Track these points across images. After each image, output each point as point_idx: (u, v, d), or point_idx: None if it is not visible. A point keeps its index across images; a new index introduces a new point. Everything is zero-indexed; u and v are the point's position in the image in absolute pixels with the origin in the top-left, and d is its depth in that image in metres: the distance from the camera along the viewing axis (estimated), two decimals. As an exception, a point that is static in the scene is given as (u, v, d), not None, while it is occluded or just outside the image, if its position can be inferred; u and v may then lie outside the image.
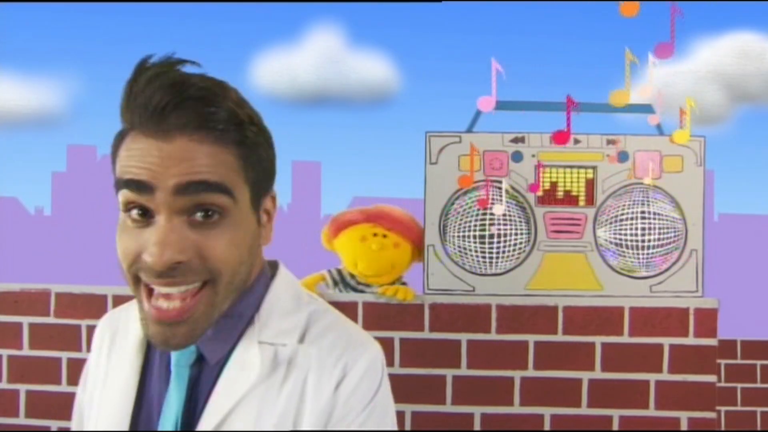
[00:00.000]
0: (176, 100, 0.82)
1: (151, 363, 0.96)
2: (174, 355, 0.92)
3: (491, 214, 1.89)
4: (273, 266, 1.00)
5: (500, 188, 1.91)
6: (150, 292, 0.86)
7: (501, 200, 1.86)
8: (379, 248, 1.87)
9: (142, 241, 0.84)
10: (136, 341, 0.97)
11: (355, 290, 1.93)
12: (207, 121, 0.83)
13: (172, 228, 0.83)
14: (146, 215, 0.85)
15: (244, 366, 0.90)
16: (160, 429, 0.91)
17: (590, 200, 1.91)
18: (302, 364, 0.91)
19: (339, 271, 1.94)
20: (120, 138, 0.88)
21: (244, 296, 0.93)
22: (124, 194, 0.84)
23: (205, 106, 0.83)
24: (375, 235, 1.89)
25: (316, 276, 1.93)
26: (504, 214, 1.89)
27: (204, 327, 0.88)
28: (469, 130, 1.94)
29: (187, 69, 0.85)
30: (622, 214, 1.89)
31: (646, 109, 1.89)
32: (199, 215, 0.84)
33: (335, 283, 1.94)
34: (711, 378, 1.83)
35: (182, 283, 0.84)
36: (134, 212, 0.85)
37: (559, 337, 1.85)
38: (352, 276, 1.93)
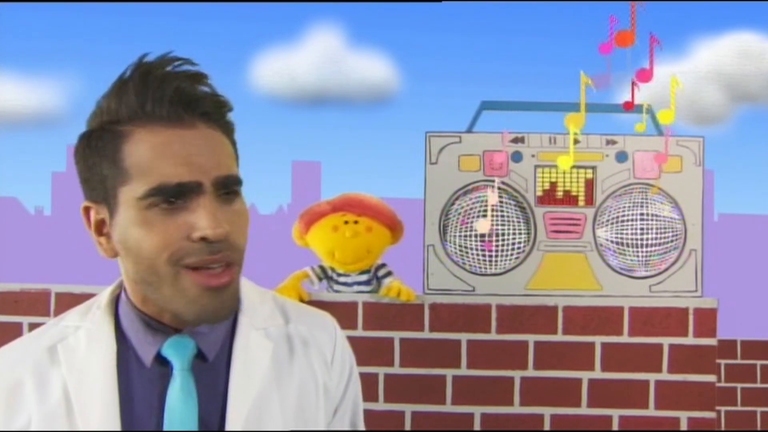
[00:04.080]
0: (198, 90, 0.88)
1: (129, 379, 0.91)
2: (175, 361, 0.91)
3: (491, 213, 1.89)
4: None
5: (500, 189, 1.91)
6: (194, 271, 0.87)
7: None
8: (352, 235, 1.86)
9: (181, 224, 0.86)
10: (107, 365, 0.92)
11: (338, 283, 1.92)
12: (219, 108, 0.91)
13: (216, 203, 0.87)
14: (176, 201, 0.86)
15: (254, 353, 0.94)
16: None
17: (590, 200, 1.91)
18: (299, 341, 0.99)
19: (321, 267, 1.94)
20: (114, 135, 0.87)
21: None
22: (161, 192, 0.85)
23: (216, 95, 0.90)
24: (346, 222, 1.88)
25: (299, 273, 1.91)
26: (503, 213, 1.89)
27: (238, 298, 0.94)
28: (469, 130, 1.94)
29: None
30: (623, 215, 1.89)
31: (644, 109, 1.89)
32: (224, 195, 0.89)
33: (319, 279, 1.93)
34: (711, 378, 1.83)
35: (224, 258, 0.88)
36: (163, 204, 0.86)
37: (559, 337, 1.85)
38: (332, 269, 1.92)
